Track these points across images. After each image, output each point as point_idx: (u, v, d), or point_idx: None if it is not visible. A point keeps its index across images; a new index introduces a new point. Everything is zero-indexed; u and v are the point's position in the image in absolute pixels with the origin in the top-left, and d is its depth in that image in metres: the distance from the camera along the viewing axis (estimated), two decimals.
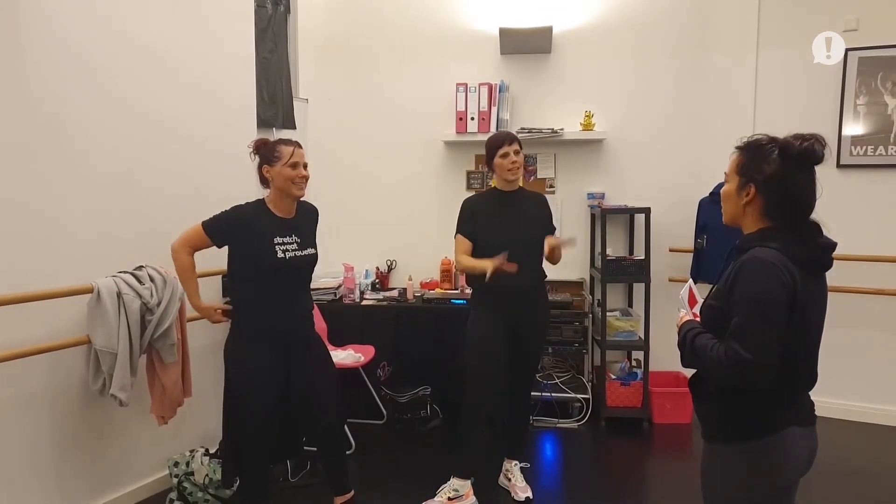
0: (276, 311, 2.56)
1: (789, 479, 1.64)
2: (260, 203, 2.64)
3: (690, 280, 1.91)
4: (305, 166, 2.62)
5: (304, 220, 2.73)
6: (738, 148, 1.70)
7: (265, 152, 2.60)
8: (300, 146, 2.63)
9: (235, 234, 2.54)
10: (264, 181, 2.63)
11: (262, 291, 2.60)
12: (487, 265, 2.77)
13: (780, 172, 1.59)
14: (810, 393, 1.70)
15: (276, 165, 2.56)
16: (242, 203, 2.62)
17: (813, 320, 1.62)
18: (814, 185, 1.61)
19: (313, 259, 2.72)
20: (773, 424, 1.60)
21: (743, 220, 1.69)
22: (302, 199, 2.70)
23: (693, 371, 1.77)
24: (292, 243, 2.61)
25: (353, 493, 2.88)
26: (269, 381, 2.58)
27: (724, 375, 1.57)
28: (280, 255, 2.56)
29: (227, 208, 2.60)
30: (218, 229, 2.56)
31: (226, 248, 2.58)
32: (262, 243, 2.54)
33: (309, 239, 2.71)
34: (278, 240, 2.57)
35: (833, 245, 1.63)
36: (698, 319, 1.74)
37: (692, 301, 1.83)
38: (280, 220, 2.62)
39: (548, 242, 2.97)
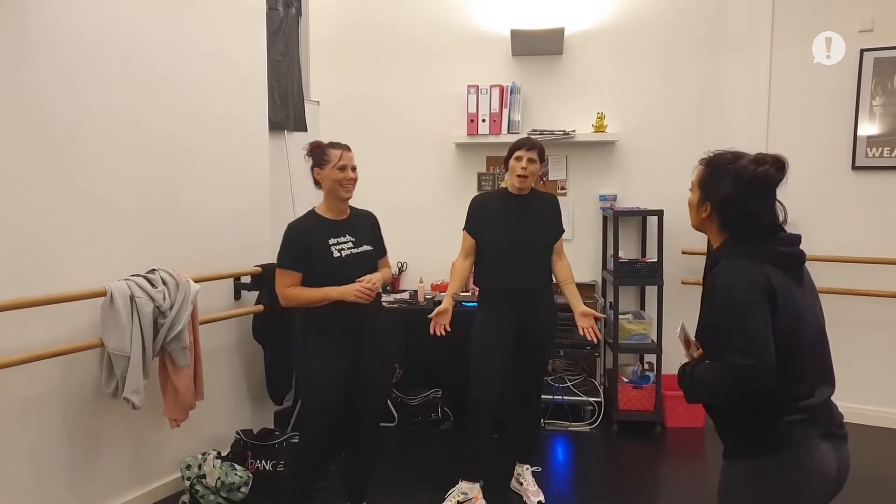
0: (340, 308, 2.61)
1: (814, 498, 1.57)
2: (310, 213, 2.75)
3: (683, 322, 1.89)
4: (354, 169, 2.71)
5: (358, 222, 2.80)
6: (701, 162, 1.73)
7: (317, 155, 2.69)
8: (349, 149, 2.72)
9: (304, 252, 2.64)
10: (317, 183, 2.73)
11: None
12: (443, 306, 3.07)
13: (732, 196, 1.61)
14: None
15: (326, 168, 2.65)
16: (293, 220, 2.73)
17: (802, 315, 1.59)
18: (771, 208, 1.63)
19: (371, 255, 2.77)
20: (791, 438, 1.55)
21: (707, 231, 1.73)
22: (351, 203, 2.79)
23: None
24: (347, 242, 2.69)
25: None
26: (334, 377, 2.64)
27: (729, 388, 1.54)
28: (336, 254, 2.64)
29: (284, 234, 2.68)
30: (293, 260, 2.64)
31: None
32: (320, 249, 2.63)
33: (364, 237, 2.76)
34: (332, 241, 2.66)
35: (797, 236, 1.63)
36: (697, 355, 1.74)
37: (687, 343, 1.83)
38: (331, 222, 2.71)
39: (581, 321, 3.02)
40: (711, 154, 1.72)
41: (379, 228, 2.89)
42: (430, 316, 3.07)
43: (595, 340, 3.00)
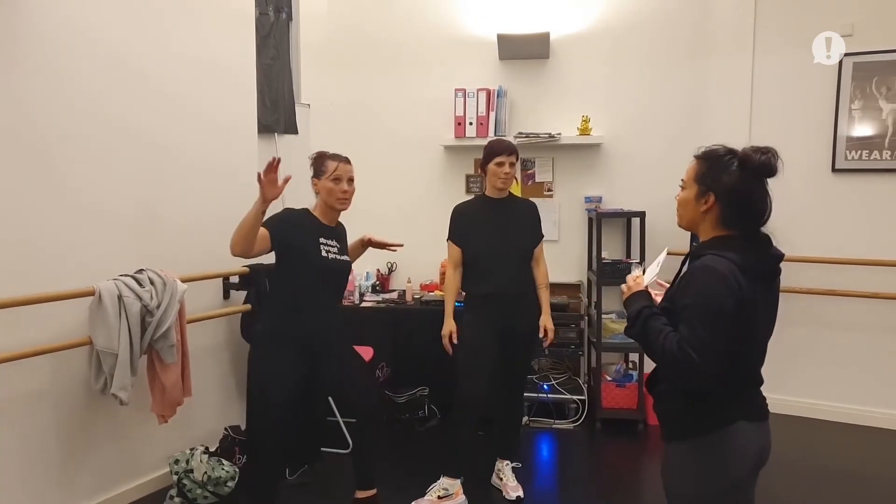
0: (307, 317, 2.66)
1: (741, 474, 1.68)
2: (306, 210, 2.79)
3: (665, 251, 1.93)
4: (350, 181, 2.74)
5: (342, 234, 2.89)
6: (696, 157, 1.76)
7: (316, 165, 2.76)
8: (348, 162, 2.75)
9: (287, 232, 2.65)
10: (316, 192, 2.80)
11: (301, 292, 2.71)
12: (449, 326, 3.18)
13: (739, 183, 1.66)
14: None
15: (322, 179, 2.71)
16: (291, 207, 2.77)
17: (760, 324, 1.68)
18: (767, 195, 1.68)
19: (348, 266, 2.84)
20: (720, 420, 1.66)
21: (700, 227, 1.75)
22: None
23: (650, 372, 1.84)
24: (334, 247, 2.76)
25: (375, 490, 2.94)
26: (287, 385, 2.66)
27: (669, 367, 1.64)
28: (324, 254, 2.69)
29: (280, 211, 2.72)
30: (274, 225, 2.61)
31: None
32: (309, 243, 2.68)
33: (345, 249, 2.84)
34: (322, 240, 2.71)
35: (781, 255, 1.70)
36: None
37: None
38: (323, 224, 2.77)
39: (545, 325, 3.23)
40: (704, 149, 1.75)
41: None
42: (445, 343, 3.18)
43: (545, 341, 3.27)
